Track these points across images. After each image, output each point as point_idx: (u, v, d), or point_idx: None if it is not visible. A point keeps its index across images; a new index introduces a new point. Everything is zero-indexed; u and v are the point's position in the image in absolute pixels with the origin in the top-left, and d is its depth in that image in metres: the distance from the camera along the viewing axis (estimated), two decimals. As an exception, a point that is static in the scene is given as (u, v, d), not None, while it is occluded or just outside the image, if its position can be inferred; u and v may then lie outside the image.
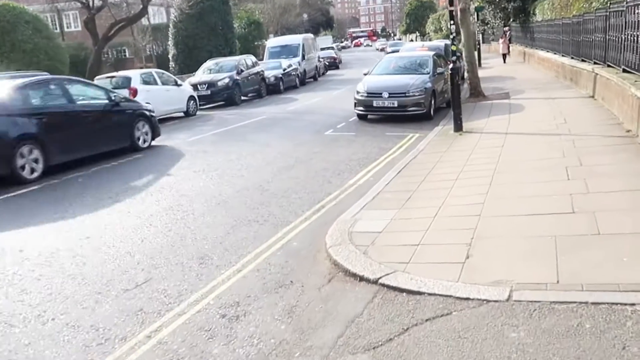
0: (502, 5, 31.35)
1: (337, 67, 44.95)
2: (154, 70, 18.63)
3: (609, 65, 12.21)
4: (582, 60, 15.48)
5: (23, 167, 9.82)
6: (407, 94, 14.06)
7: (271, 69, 26.82)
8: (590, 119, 10.81)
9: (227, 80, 21.91)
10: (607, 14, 11.89)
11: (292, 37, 35.88)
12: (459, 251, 4.97)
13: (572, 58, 17.16)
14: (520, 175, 7.39)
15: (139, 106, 13.16)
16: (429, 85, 14.47)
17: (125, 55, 49.93)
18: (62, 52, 25.19)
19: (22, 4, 26.82)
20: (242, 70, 23.07)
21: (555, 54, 20.37)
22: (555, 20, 20.42)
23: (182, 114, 19.14)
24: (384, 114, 14.59)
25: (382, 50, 54.19)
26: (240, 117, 17.84)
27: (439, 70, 15.37)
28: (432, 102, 14.56)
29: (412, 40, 65.24)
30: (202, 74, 23.15)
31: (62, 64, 24.82)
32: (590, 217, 5.38)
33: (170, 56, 35.19)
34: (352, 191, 7.90)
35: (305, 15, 75.01)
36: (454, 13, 12.86)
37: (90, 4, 26.97)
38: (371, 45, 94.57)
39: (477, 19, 34.84)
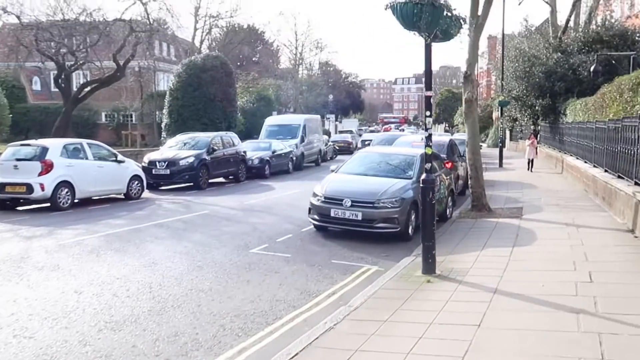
0: (530, 103, 27.81)
1: (350, 152, 41.67)
2: (85, 141, 15.19)
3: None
4: (619, 177, 11.70)
5: None
6: (375, 205, 10.27)
7: (259, 149, 23.67)
8: (633, 281, 6.84)
9: (191, 159, 18.44)
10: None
11: (293, 116, 32.99)
12: None
13: (605, 171, 13.34)
14: None
15: None
16: (410, 194, 10.66)
17: (130, 120, 47.65)
18: (2, 110, 21.90)
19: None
20: (214, 150, 19.65)
21: (585, 162, 16.62)
22: (587, 123, 16.77)
23: (122, 196, 15.71)
24: (346, 228, 10.77)
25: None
26: (180, 208, 14.25)
27: (428, 174, 11.52)
28: (413, 217, 10.73)
29: (446, 131, 61.84)
30: (166, 149, 19.79)
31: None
32: None
33: (162, 125, 32.35)
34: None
35: (330, 96, 72.79)
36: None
37: (61, 61, 24.29)
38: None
39: (501, 115, 31.60)
